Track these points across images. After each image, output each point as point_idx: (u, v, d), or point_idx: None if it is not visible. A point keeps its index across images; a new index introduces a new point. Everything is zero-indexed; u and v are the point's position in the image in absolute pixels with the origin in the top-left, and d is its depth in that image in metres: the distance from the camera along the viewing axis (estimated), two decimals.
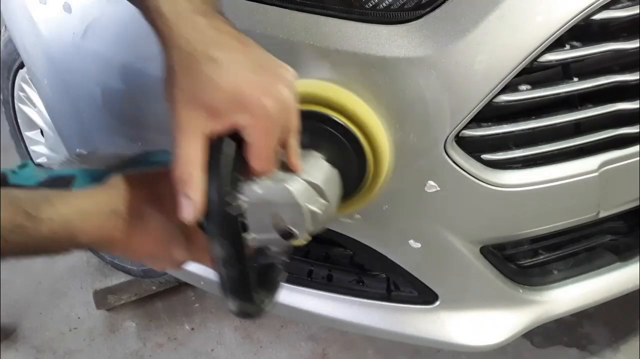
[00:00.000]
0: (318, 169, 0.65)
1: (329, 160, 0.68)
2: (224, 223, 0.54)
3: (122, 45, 0.85)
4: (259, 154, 0.55)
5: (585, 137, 0.81)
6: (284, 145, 0.58)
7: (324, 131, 0.70)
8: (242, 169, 0.56)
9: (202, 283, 1.02)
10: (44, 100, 1.12)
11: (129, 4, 0.77)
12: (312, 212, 0.59)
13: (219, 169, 0.53)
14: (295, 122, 0.58)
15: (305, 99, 0.68)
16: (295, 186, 0.58)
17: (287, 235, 0.59)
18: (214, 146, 0.54)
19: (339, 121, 0.70)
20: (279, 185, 0.57)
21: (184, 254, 0.60)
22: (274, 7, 0.77)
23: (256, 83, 0.54)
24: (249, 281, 0.56)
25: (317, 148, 0.69)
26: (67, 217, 0.52)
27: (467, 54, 0.72)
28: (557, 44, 0.74)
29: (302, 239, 0.59)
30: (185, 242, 0.60)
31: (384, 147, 0.72)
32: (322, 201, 0.62)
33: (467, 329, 0.91)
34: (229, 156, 0.54)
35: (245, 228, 0.57)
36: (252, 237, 0.57)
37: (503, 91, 0.74)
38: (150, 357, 1.36)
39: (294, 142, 0.59)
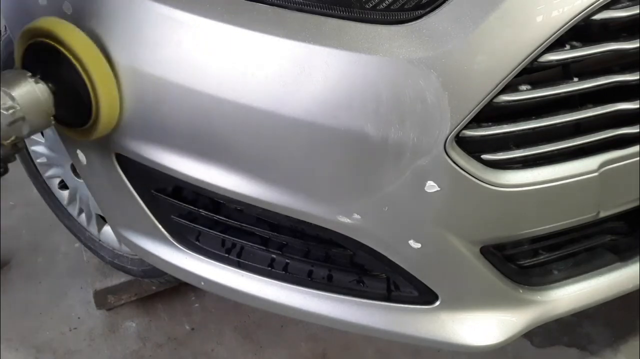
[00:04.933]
0: (19, 82, 0.81)
1: (48, 81, 0.83)
2: None
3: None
4: None
5: (585, 137, 0.82)
6: None
7: (45, 57, 0.83)
8: None
9: (202, 283, 1.02)
10: None
11: None
12: None
13: None
14: None
15: (35, 32, 0.83)
16: None
17: None
18: None
19: (55, 47, 0.81)
20: None
21: None
22: (274, 7, 0.77)
23: None
24: None
25: (39, 72, 0.84)
26: None
27: (467, 54, 0.72)
28: (557, 44, 0.74)
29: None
30: None
31: (102, 74, 0.81)
32: (11, 103, 0.79)
33: (467, 329, 0.91)
34: None
35: None
36: None
37: (503, 90, 0.74)
38: (150, 357, 1.36)
39: None
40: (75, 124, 0.88)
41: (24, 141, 1.29)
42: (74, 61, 0.81)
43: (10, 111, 0.79)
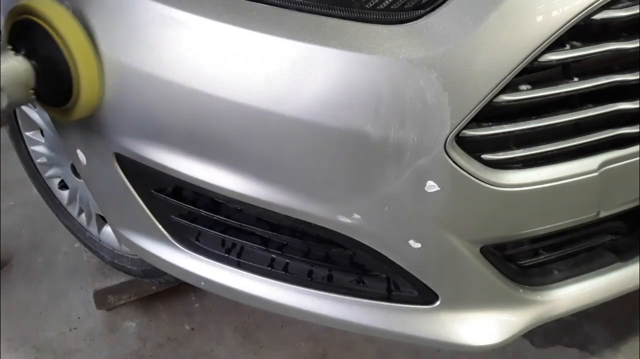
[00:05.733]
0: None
1: (32, 58, 0.85)
2: None
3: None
4: None
5: (585, 137, 0.82)
6: None
7: (30, 35, 0.85)
8: None
9: (202, 283, 1.02)
10: None
11: None
12: None
13: None
14: None
15: (21, 9, 0.85)
16: None
17: None
18: None
19: (39, 24, 0.83)
20: None
21: None
22: (274, 7, 0.77)
23: None
24: None
25: (24, 49, 0.86)
26: None
27: (467, 54, 0.72)
28: (557, 43, 0.74)
29: None
30: None
31: (84, 55, 0.82)
32: None
33: (467, 329, 0.91)
34: None
35: None
36: None
37: (503, 90, 0.74)
38: (150, 357, 1.36)
39: None
40: (55, 103, 0.89)
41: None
42: (56, 38, 0.82)
43: None
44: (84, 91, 0.84)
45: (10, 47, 0.86)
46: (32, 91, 0.88)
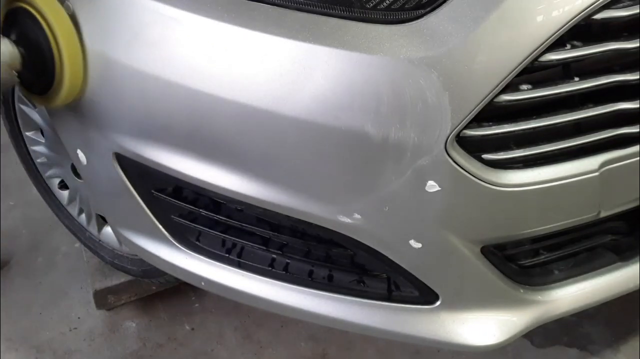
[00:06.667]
0: None
1: (19, 45, 0.89)
2: None
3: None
4: None
5: (585, 137, 0.82)
6: None
7: (19, 21, 0.88)
8: None
9: (202, 283, 1.02)
10: None
11: None
12: None
13: None
14: None
15: None
16: None
17: None
18: None
19: (28, 11, 0.85)
20: None
21: None
22: (274, 7, 0.77)
23: None
24: None
25: (13, 35, 0.89)
26: None
27: (467, 54, 0.72)
28: (557, 43, 0.74)
29: None
30: None
31: (69, 43, 0.85)
32: None
33: (467, 329, 0.91)
34: None
35: None
36: None
37: (504, 90, 0.74)
38: (150, 357, 1.36)
39: None
40: (38, 89, 0.91)
41: None
42: (44, 26, 0.85)
43: None
44: (66, 80, 0.86)
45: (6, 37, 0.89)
46: (15, 74, 0.90)
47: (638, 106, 0.81)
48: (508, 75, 0.73)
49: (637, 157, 0.85)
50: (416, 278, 0.88)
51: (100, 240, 1.41)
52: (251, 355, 1.34)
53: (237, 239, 0.97)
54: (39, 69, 0.88)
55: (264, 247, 0.95)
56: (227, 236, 0.98)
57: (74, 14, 0.86)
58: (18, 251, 1.66)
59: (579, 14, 0.73)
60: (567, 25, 0.73)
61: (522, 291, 0.92)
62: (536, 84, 0.77)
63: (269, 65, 0.76)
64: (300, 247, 0.94)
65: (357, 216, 0.82)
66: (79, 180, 1.32)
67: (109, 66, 0.85)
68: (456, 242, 0.83)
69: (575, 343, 1.32)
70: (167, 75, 0.81)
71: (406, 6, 0.74)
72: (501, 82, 0.73)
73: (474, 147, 0.78)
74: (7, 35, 0.90)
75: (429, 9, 0.74)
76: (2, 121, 1.53)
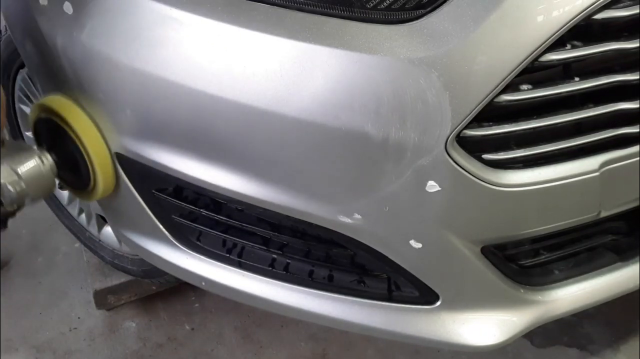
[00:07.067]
0: (25, 159, 0.91)
1: (52, 152, 0.95)
2: None
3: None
4: None
5: (586, 137, 0.82)
6: None
7: (51, 132, 0.94)
8: None
9: (202, 283, 1.02)
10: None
11: None
12: (6, 186, 0.86)
13: None
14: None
15: (44, 108, 0.93)
16: None
17: None
18: None
19: (61, 127, 0.91)
20: None
21: None
22: (274, 7, 0.77)
23: None
24: None
25: (46, 143, 0.96)
26: None
27: (468, 54, 0.72)
28: (558, 43, 0.74)
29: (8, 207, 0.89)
30: None
31: (100, 154, 0.91)
32: (16, 179, 0.88)
33: (467, 329, 0.91)
34: None
35: None
36: None
37: (504, 90, 0.74)
38: (150, 357, 1.36)
39: None
40: (78, 188, 0.99)
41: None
42: (76, 141, 0.90)
43: (15, 187, 0.89)
44: (99, 178, 0.94)
45: (35, 148, 0.95)
46: (56, 179, 0.98)
47: (638, 106, 0.81)
48: (508, 75, 0.73)
49: (637, 157, 0.85)
50: (416, 278, 0.88)
51: (100, 240, 1.41)
52: (251, 355, 1.34)
53: (237, 239, 0.97)
54: (74, 171, 0.95)
55: (265, 247, 0.95)
56: (227, 236, 0.98)
57: (92, 116, 0.90)
58: (18, 251, 1.66)
59: (579, 14, 0.73)
60: (567, 25, 0.73)
61: (522, 291, 0.92)
62: (536, 84, 0.77)
63: (269, 66, 0.76)
64: (300, 247, 0.94)
65: (357, 216, 0.82)
66: None
67: (109, 66, 0.85)
68: (456, 243, 0.83)
69: (575, 343, 1.32)
70: (168, 76, 0.81)
71: (406, 6, 0.74)
72: (501, 82, 0.73)
73: (474, 147, 0.78)
74: (40, 144, 0.96)
75: (429, 9, 0.73)
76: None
